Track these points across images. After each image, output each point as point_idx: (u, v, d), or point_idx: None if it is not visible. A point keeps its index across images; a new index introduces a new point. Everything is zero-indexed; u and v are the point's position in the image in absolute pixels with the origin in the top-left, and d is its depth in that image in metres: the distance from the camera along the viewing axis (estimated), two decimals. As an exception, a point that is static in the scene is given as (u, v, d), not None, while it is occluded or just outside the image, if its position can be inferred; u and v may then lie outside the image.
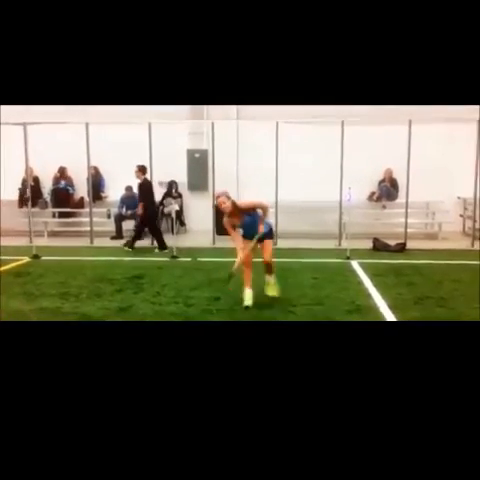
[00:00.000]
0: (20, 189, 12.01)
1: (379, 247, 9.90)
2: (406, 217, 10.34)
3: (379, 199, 11.73)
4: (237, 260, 5.95)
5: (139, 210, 10.01)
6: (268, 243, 6.11)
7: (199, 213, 11.69)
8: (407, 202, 10.29)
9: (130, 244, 10.06)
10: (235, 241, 6.09)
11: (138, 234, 10.26)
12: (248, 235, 6.02)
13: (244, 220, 6.00)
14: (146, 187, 10.03)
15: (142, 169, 9.98)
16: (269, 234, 6.17)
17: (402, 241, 10.02)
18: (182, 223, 12.05)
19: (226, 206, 5.87)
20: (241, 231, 6.14)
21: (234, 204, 5.92)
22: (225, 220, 6.03)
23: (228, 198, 5.93)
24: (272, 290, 6.20)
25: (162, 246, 9.99)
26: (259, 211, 6.02)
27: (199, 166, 11.97)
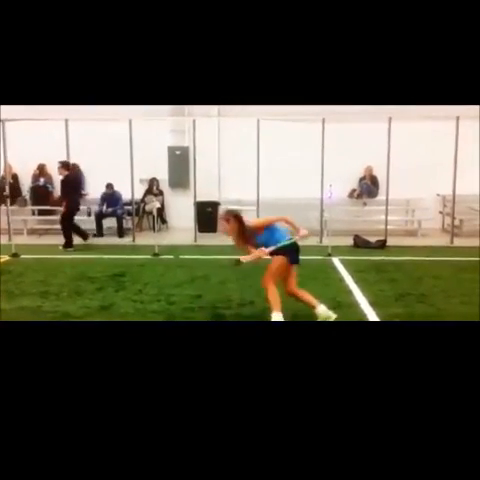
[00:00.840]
0: (-2, 186, 11.84)
1: (360, 244, 9.98)
2: (386, 214, 10.43)
3: (360, 196, 11.81)
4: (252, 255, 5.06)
5: (64, 208, 9.78)
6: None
7: (181, 210, 11.65)
8: (387, 199, 10.39)
9: (68, 244, 9.81)
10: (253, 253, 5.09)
11: (70, 231, 9.95)
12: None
13: (257, 241, 5.12)
14: (69, 183, 9.78)
15: (65, 165, 9.76)
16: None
17: (383, 238, 10.11)
18: (163, 221, 11.99)
19: (227, 230, 5.16)
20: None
21: (239, 226, 5.10)
22: (235, 243, 5.29)
23: (227, 220, 5.14)
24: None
25: (68, 244, 9.85)
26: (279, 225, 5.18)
27: (180, 163, 11.92)
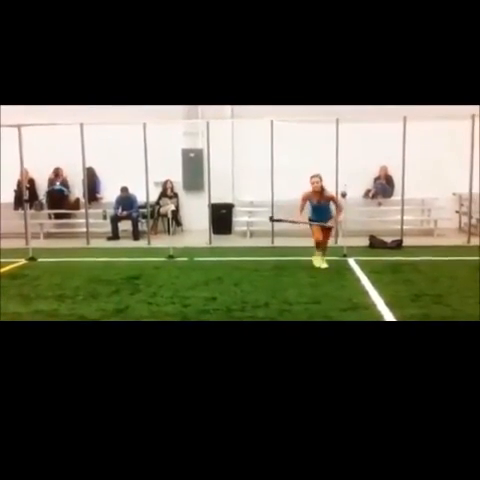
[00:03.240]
0: (16, 191, 11.98)
1: (376, 244, 9.91)
2: (402, 214, 10.34)
3: (375, 196, 11.73)
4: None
5: None
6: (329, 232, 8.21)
7: (195, 213, 11.68)
8: (403, 199, 10.31)
9: None
10: (296, 214, 8.00)
11: None
12: (315, 219, 7.93)
13: (318, 204, 7.84)
14: None
15: None
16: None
17: (398, 238, 10.03)
18: (178, 223, 12.03)
19: (317, 185, 7.76)
20: (310, 213, 8.01)
21: (323, 187, 7.86)
22: (304, 194, 7.90)
23: (321, 179, 7.84)
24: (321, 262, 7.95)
25: None
26: (332, 207, 7.96)
27: (194, 166, 11.97)
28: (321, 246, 7.99)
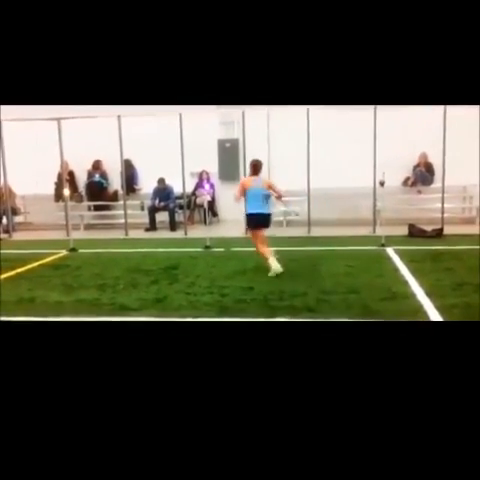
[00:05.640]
0: (56, 183, 12.25)
1: (415, 233, 9.73)
2: (442, 202, 10.12)
3: (414, 184, 11.50)
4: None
5: None
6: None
7: (231, 203, 11.66)
8: (443, 186, 10.07)
9: None
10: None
11: None
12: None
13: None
14: None
15: None
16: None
17: (439, 226, 9.82)
18: (214, 213, 12.08)
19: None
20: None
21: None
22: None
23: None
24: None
25: None
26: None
27: (230, 156, 11.97)
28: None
